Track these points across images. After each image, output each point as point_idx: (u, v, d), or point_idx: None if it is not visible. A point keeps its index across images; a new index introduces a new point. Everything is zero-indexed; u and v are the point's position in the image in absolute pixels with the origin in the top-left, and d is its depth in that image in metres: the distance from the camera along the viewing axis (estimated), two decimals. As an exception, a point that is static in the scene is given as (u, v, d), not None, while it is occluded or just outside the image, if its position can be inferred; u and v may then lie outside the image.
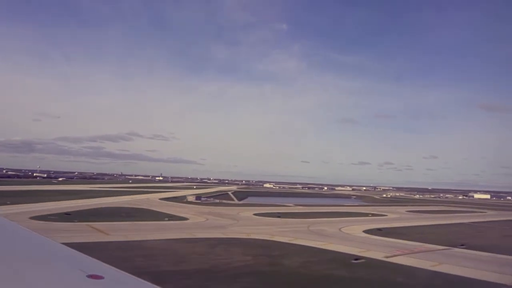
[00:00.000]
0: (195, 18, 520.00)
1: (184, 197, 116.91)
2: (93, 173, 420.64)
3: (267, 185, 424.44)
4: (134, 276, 3.33)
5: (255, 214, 78.04)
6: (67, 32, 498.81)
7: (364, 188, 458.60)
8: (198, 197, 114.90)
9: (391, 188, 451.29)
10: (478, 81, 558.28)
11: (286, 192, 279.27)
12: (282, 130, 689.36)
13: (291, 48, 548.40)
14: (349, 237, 50.67)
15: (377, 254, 38.17)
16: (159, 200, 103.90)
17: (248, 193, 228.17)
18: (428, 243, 48.12)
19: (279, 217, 74.96)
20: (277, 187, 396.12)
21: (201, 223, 60.02)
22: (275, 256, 35.73)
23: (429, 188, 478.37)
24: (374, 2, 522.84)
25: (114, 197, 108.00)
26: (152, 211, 74.48)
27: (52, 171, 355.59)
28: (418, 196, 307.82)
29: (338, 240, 47.18)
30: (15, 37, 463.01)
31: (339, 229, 57.61)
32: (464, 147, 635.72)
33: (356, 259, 34.97)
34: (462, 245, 47.21)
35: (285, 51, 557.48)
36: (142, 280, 3.22)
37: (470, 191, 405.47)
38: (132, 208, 77.08)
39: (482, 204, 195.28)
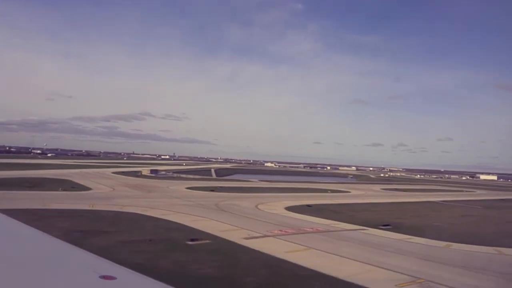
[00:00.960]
0: None
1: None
2: (100, 151, 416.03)
3: (268, 164, 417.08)
4: (146, 276, 3.27)
5: (189, 188, 68.81)
6: (82, 12, 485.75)
7: (371, 168, 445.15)
8: (154, 171, 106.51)
9: (400, 169, 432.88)
10: (495, 60, 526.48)
11: (280, 170, 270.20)
12: (296, 111, 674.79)
13: (306, 28, 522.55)
14: (252, 214, 40.92)
15: (241, 234, 28.35)
16: (110, 174, 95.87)
17: (237, 170, 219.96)
18: (348, 222, 38.14)
19: (212, 191, 65.65)
20: (277, 166, 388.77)
21: (98, 194, 51.19)
22: (96, 233, 26.33)
23: (442, 170, 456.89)
24: None
25: (66, 169, 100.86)
26: (72, 182, 66.07)
27: (59, 149, 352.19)
28: (419, 176, 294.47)
29: (226, 217, 37.44)
30: (29, 16, 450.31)
31: (256, 206, 47.73)
32: (481, 129, 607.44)
33: (193, 240, 25.26)
34: (386, 225, 37.02)
35: (300, 31, 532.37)
36: (155, 280, 3.16)
37: (485, 173, 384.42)
38: (56, 179, 69.17)
39: (480, 184, 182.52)
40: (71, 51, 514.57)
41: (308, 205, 50.38)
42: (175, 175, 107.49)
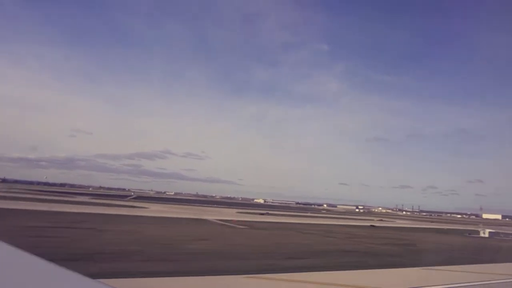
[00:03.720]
0: (235, 39, 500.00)
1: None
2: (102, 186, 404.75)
3: (257, 200, 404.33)
4: None
5: None
6: (108, 52, 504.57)
7: (380, 208, 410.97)
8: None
9: (407, 209, 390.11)
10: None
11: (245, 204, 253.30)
12: (321, 151, 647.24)
13: (332, 68, 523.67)
14: None
15: None
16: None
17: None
18: None
19: None
20: (265, 201, 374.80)
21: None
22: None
23: (468, 213, 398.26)
24: (416, 24, 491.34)
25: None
26: None
27: (61, 183, 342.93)
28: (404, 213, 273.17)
29: None
30: (57, 56, 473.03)
31: None
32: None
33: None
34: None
35: (326, 71, 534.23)
36: None
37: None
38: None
39: (452, 220, 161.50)
40: (92, 88, 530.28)
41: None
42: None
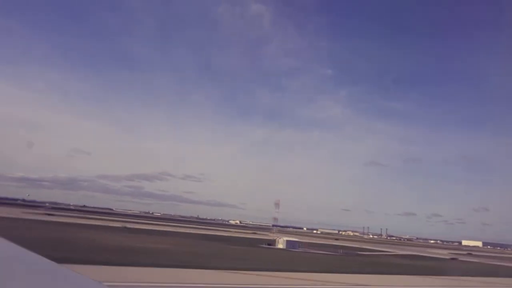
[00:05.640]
0: (239, 64, 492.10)
1: None
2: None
3: (232, 221, 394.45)
4: None
5: None
6: (110, 75, 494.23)
7: (350, 232, 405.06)
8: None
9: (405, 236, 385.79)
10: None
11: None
12: (325, 176, 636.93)
13: (336, 94, 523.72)
14: None
15: None
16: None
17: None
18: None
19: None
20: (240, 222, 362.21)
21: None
22: None
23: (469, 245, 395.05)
24: (422, 46, 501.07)
25: None
26: None
27: (43, 201, 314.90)
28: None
29: None
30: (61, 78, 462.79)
31: None
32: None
33: None
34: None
35: (330, 97, 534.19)
36: None
37: None
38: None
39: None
40: (93, 110, 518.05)
41: None
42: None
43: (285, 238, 64.83)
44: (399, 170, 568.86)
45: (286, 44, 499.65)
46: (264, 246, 62.43)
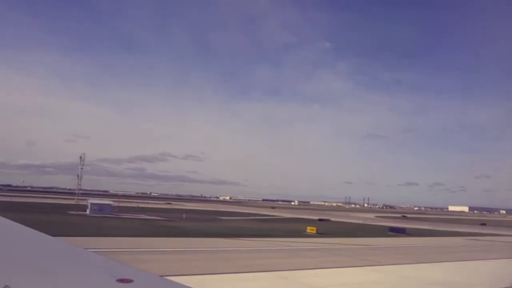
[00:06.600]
0: (237, 40, 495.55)
1: None
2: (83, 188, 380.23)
3: (222, 197, 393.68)
4: (164, 278, 3.26)
5: None
6: (109, 57, 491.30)
7: (354, 204, 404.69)
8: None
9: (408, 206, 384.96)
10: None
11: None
12: (327, 150, 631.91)
13: (336, 67, 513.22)
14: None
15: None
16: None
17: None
18: None
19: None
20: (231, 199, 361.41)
21: None
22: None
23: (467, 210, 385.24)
24: (419, 18, 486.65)
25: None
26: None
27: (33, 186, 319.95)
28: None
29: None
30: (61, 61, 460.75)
31: None
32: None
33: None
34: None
35: (330, 70, 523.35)
36: (173, 281, 3.09)
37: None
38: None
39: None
40: (92, 92, 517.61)
41: None
42: None
43: (91, 201, 59.34)
44: (398, 141, 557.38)
45: (283, 18, 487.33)
46: (73, 212, 57.13)
